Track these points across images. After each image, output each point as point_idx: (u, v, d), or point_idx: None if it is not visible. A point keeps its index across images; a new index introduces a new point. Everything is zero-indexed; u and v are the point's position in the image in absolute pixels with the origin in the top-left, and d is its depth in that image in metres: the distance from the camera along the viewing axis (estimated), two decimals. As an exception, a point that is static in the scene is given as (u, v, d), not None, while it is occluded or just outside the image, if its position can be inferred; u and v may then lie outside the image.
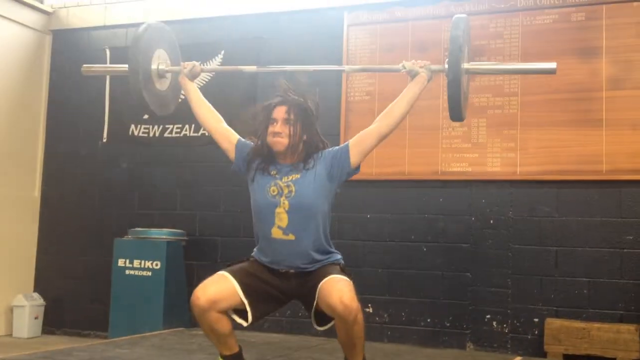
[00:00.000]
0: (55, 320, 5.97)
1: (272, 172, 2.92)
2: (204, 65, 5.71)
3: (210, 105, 3.19)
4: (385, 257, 5.05)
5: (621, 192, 4.54)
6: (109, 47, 6.09)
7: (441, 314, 4.86)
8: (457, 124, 4.91)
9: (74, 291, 5.98)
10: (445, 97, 4.92)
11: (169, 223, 5.61)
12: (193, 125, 5.73)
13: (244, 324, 2.88)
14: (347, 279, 2.79)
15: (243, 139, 3.09)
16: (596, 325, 4.36)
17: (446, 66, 2.82)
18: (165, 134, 5.82)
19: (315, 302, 2.80)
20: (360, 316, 2.73)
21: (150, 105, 3.15)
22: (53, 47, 6.33)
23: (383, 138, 2.95)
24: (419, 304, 4.92)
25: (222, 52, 5.72)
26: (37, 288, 6.09)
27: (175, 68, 3.24)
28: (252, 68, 3.53)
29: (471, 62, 3.02)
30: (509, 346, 4.68)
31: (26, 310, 5.76)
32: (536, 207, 4.73)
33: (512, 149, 4.78)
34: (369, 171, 5.09)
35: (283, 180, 2.89)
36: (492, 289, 4.75)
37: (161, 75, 3.22)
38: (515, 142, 4.78)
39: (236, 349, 2.93)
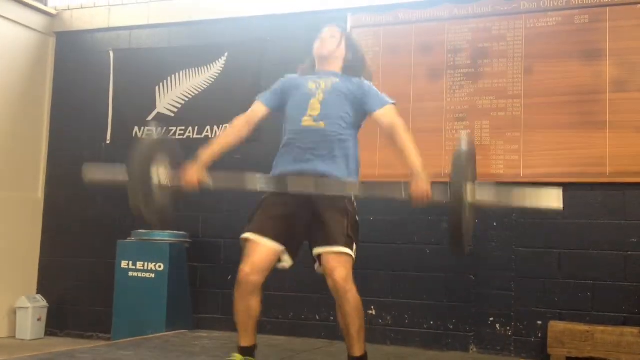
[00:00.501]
0: (58, 322, 5.98)
1: (310, 75, 3.16)
2: (207, 67, 5.76)
3: (233, 135, 3.22)
4: (388, 259, 5.04)
5: (625, 194, 4.53)
6: (113, 49, 6.11)
7: (444, 317, 4.85)
8: (460, 126, 4.92)
9: (77, 293, 5.98)
10: (450, 99, 4.92)
11: (172, 225, 5.60)
12: (196, 128, 5.73)
13: (287, 265, 3.02)
14: (349, 252, 2.90)
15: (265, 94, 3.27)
16: (600, 328, 4.35)
17: (448, 197, 2.77)
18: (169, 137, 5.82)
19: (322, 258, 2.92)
20: (350, 295, 2.85)
21: (149, 220, 3.09)
22: (56, 49, 6.34)
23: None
24: (422, 306, 4.92)
25: (226, 54, 5.72)
26: (40, 290, 6.09)
27: (175, 182, 3.10)
28: (254, 178, 3.22)
29: (476, 184, 2.89)
30: (512, 349, 4.67)
31: (29, 312, 5.77)
32: (540, 210, 4.72)
33: (516, 151, 4.78)
34: (372, 173, 5.09)
35: (322, 79, 3.10)
36: (496, 291, 4.75)
37: (162, 188, 3.14)
38: (519, 144, 4.78)
39: (254, 342, 3.03)
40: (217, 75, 5.73)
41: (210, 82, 5.75)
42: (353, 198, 3.07)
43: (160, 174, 3.09)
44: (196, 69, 5.81)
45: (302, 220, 3.00)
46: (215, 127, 5.65)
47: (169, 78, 5.89)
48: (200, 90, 5.78)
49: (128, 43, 6.08)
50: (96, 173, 3.40)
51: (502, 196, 2.96)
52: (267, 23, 5.63)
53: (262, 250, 2.93)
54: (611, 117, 4.56)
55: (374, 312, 5.00)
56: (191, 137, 5.73)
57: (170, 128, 5.81)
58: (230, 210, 5.52)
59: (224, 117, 5.65)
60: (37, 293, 6.04)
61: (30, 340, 5.72)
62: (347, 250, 2.89)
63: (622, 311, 4.46)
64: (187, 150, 5.67)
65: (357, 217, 3.07)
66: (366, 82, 3.13)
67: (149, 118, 5.89)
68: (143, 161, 3.03)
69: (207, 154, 3.08)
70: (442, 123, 4.97)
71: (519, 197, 2.99)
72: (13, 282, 5.89)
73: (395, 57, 5.16)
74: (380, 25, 5.24)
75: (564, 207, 4.62)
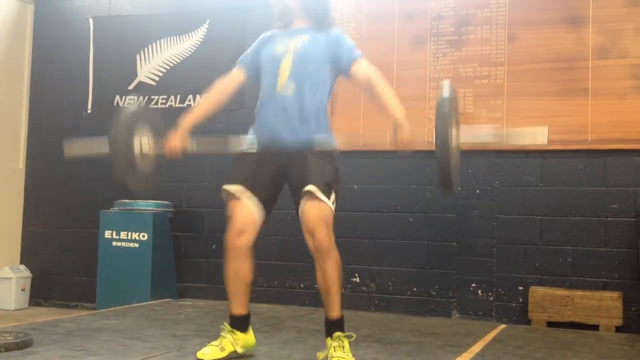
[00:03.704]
0: (42, 292, 5.97)
1: (281, 37, 3.01)
2: (189, 34, 5.68)
3: (214, 101, 3.17)
4: (372, 227, 5.07)
5: (606, 161, 4.57)
6: (93, 16, 6.01)
7: (427, 283, 4.90)
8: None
9: (60, 263, 5.97)
10: (433, 67, 4.90)
11: (156, 195, 5.59)
12: (178, 97, 5.68)
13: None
14: (328, 204, 2.79)
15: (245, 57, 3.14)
16: (579, 292, 4.42)
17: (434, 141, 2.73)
18: (151, 105, 5.77)
19: (300, 209, 2.83)
20: (334, 253, 2.79)
21: (132, 187, 3.10)
22: (36, 16, 6.23)
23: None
24: (406, 273, 4.96)
25: (208, 21, 5.65)
26: (23, 260, 6.07)
27: (159, 149, 3.11)
28: (237, 140, 3.17)
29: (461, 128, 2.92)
30: (493, 314, 4.73)
31: (13, 282, 5.75)
32: (522, 177, 4.76)
33: (499, 119, 4.79)
34: (355, 142, 5.07)
35: (292, 39, 2.97)
36: (478, 258, 4.79)
37: (145, 156, 3.13)
38: (502, 112, 4.78)
39: (246, 311, 3.02)
40: (198, 43, 5.67)
41: (192, 50, 5.69)
42: (334, 152, 2.98)
43: (143, 143, 3.07)
44: (177, 37, 5.74)
45: (279, 169, 2.95)
46: (198, 96, 5.60)
47: (150, 46, 5.81)
48: (181, 59, 5.71)
49: (108, 10, 5.99)
50: (77, 148, 3.40)
51: (487, 137, 3.02)
52: (249, -10, 5.55)
53: (243, 209, 2.88)
54: (593, 85, 4.58)
55: (357, 280, 5.04)
56: (173, 106, 5.69)
57: (152, 97, 5.76)
58: (214, 180, 5.50)
59: (206, 86, 5.56)
60: (21, 263, 6.01)
61: (15, 310, 5.71)
62: (324, 198, 2.77)
63: (601, 276, 4.53)
64: (170, 120, 5.68)
65: (338, 170, 2.96)
66: (339, 35, 3.00)
67: (130, 87, 5.83)
68: (125, 131, 3.00)
69: (189, 120, 3.06)
70: (426, 91, 4.96)
71: (505, 136, 3.05)
72: (-4, 252, 5.87)
73: (378, 24, 5.12)
74: (363, -8, 5.19)
75: (545, 175, 4.69)
